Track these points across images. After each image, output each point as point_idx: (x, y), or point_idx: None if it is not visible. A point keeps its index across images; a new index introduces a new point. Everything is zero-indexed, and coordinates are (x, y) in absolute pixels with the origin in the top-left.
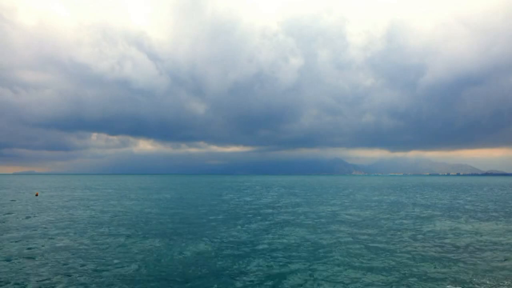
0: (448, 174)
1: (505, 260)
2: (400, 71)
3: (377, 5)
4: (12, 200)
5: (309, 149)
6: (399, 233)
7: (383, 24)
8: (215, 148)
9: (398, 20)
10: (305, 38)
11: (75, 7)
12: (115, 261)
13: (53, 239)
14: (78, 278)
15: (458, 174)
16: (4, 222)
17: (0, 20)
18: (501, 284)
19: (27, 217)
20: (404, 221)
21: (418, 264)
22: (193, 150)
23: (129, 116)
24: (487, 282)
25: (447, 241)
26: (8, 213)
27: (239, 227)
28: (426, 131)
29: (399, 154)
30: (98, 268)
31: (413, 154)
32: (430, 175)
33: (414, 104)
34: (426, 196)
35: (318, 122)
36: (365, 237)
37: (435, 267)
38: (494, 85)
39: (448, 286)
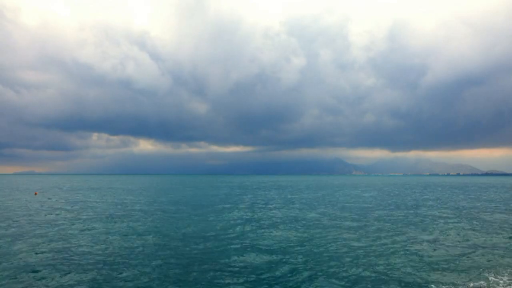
0: (448, 174)
1: None
2: (401, 71)
3: (378, 5)
4: (11, 200)
5: (310, 149)
6: None
7: (385, 24)
8: (216, 148)
9: (400, 20)
10: (307, 38)
11: (77, 7)
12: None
13: (51, 237)
14: (79, 276)
15: (458, 174)
16: (3, 221)
17: (3, 20)
18: None
19: (26, 216)
20: None
21: None
22: (193, 150)
23: (130, 116)
24: None
25: None
26: (8, 212)
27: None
28: (426, 131)
29: (399, 154)
30: (97, 266)
31: (413, 154)
32: (430, 175)
33: (415, 104)
34: None
35: (319, 122)
36: None
37: None
38: (495, 85)
39: None
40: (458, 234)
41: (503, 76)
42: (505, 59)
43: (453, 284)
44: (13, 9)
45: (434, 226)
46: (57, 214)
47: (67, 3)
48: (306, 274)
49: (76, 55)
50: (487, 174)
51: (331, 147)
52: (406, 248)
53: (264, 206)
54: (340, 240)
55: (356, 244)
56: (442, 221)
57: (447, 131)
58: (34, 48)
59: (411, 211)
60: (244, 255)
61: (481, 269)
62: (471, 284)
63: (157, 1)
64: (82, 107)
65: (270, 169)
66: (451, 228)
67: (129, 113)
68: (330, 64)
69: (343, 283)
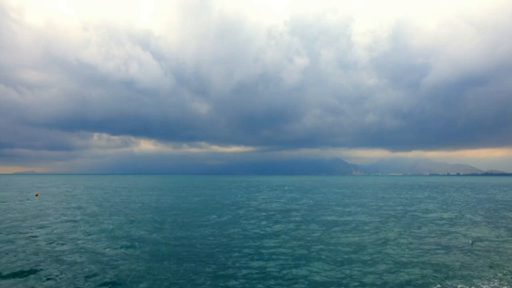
0: (448, 174)
1: None
2: (404, 71)
3: (381, 4)
4: (12, 200)
5: (310, 149)
6: None
7: (388, 24)
8: (216, 148)
9: (403, 19)
10: (310, 38)
11: (81, 7)
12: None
13: (54, 237)
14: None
15: (458, 174)
16: (4, 222)
17: (7, 19)
18: None
19: (27, 217)
20: None
21: None
22: (194, 150)
23: (131, 116)
24: None
25: None
26: (8, 214)
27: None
28: (427, 131)
29: (400, 154)
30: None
31: (413, 154)
32: (430, 175)
33: (417, 104)
34: None
35: (320, 122)
36: None
37: None
38: (498, 85)
39: None
40: None
41: (506, 76)
42: (509, 59)
43: None
44: (18, 8)
45: None
46: (56, 215)
47: (71, 3)
48: None
49: (80, 55)
50: (487, 174)
51: (332, 147)
52: None
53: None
54: None
55: None
56: None
57: (448, 131)
58: (38, 48)
59: None
60: None
61: None
62: None
63: (160, 1)
64: (84, 107)
65: (270, 169)
66: None
67: (130, 113)
68: (332, 64)
69: None
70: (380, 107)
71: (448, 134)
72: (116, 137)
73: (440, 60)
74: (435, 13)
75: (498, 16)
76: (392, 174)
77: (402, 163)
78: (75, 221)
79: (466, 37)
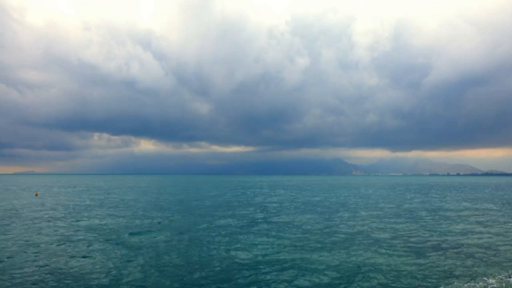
0: (448, 174)
1: None
2: (404, 70)
3: (382, 3)
4: (12, 200)
5: (310, 149)
6: None
7: (389, 23)
8: (217, 148)
9: (404, 19)
10: (311, 38)
11: (82, 7)
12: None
13: (55, 237)
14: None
15: (458, 174)
16: (5, 222)
17: (9, 19)
18: None
19: (28, 217)
20: None
21: None
22: (194, 150)
23: (132, 116)
24: None
25: None
26: (9, 213)
27: None
28: (428, 131)
29: (400, 154)
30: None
31: (414, 154)
32: (430, 175)
33: (417, 104)
34: None
35: (320, 122)
36: None
37: None
38: (499, 85)
39: None
40: None
41: (506, 76)
42: (509, 59)
43: None
44: (18, 8)
45: None
46: (57, 215)
47: (71, 3)
48: None
49: (80, 55)
50: (487, 174)
51: (332, 147)
52: None
53: None
54: None
55: None
56: None
57: (448, 131)
58: (38, 47)
59: None
60: None
61: None
62: None
63: (161, 0)
64: (84, 107)
65: (270, 169)
66: None
67: (130, 113)
68: (333, 64)
69: None
70: (381, 107)
71: (448, 134)
72: (116, 137)
73: (441, 60)
74: (435, 13)
75: (498, 16)
76: (392, 174)
77: (402, 163)
78: (79, 220)
79: (466, 37)
